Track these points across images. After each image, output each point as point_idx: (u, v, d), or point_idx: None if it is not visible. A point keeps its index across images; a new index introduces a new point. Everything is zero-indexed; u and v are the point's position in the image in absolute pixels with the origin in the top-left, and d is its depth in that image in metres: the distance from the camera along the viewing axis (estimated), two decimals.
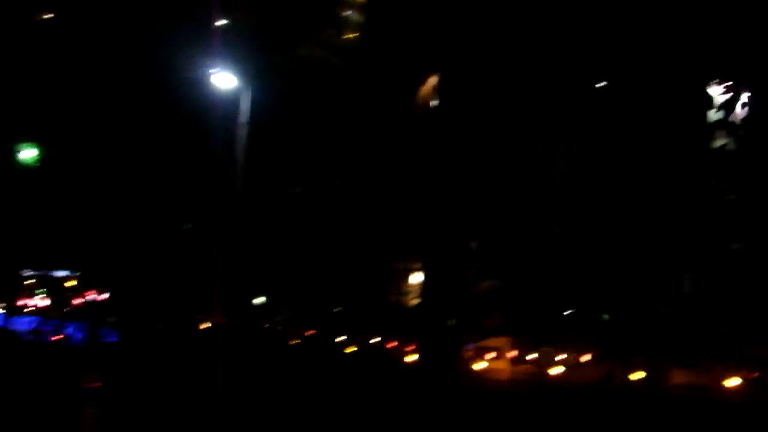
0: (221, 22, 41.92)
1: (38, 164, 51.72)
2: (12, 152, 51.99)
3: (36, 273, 61.60)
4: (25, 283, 63.59)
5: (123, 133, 52.90)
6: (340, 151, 63.89)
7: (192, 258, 51.77)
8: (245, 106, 37.46)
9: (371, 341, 70.19)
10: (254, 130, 38.28)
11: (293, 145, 60.49)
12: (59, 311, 59.35)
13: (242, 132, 37.35)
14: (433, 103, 74.58)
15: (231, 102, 38.73)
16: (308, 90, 62.39)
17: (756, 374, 58.76)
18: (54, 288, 61.00)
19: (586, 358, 69.16)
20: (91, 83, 53.58)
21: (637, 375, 62.81)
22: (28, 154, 51.91)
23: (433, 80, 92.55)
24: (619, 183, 71.00)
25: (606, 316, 71.69)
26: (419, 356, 57.90)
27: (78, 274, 58.35)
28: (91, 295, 55.80)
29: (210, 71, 37.74)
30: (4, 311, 59.38)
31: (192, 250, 51.51)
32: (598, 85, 69.62)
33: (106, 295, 54.43)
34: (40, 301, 66.44)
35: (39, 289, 65.08)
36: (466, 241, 45.60)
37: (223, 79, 37.25)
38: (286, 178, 64.01)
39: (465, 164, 42.70)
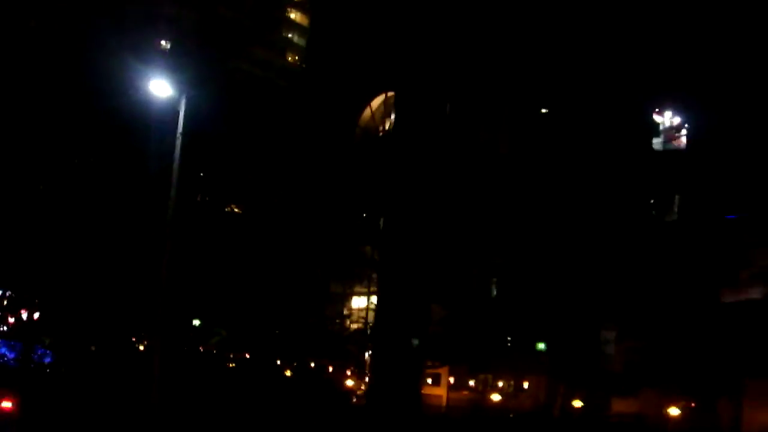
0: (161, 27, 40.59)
1: None
2: None
3: None
4: None
5: (51, 142, 51.31)
6: (279, 170, 62.82)
7: (128, 276, 50.46)
8: (181, 116, 35.02)
9: (310, 365, 69.44)
10: (191, 143, 36.09)
11: (230, 161, 59.28)
12: None
13: (178, 144, 34.91)
14: (375, 125, 74.28)
15: (167, 112, 37.10)
16: (247, 106, 61.26)
17: (693, 404, 58.82)
18: None
19: (524, 385, 68.97)
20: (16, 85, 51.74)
21: (577, 403, 62.52)
22: None
23: (375, 103, 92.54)
24: (563, 212, 70.74)
25: (542, 345, 71.22)
26: (371, 380, 56.94)
27: (11, 292, 56.43)
28: (25, 314, 54.03)
29: (147, 79, 35.43)
30: None
31: (128, 267, 50.12)
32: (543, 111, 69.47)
33: (38, 315, 52.65)
34: None
35: None
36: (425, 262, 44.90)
37: (160, 87, 34.95)
38: (223, 195, 62.80)
39: (418, 187, 41.70)
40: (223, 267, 58.55)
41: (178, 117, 34.66)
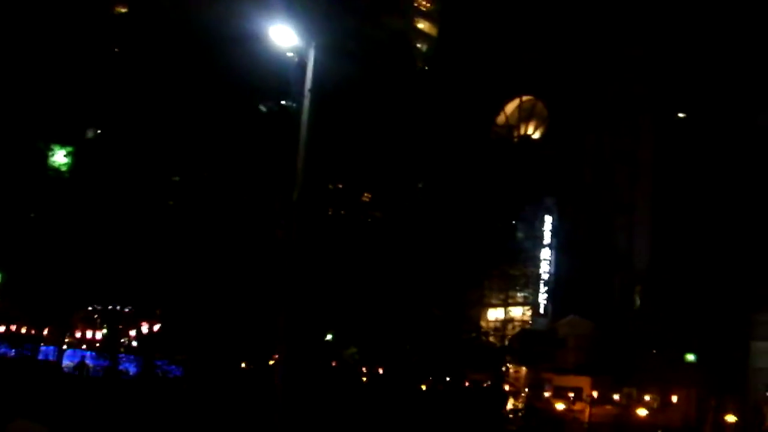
0: None
1: (70, 169, 48.30)
2: (44, 155, 48.51)
3: (91, 306, 58.36)
4: (79, 316, 60.70)
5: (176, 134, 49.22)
6: (414, 163, 58.68)
7: (258, 286, 48.52)
8: (310, 67, 26.13)
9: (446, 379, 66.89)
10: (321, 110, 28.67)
11: (363, 140, 54.80)
12: (114, 345, 56.34)
13: (306, 103, 26.02)
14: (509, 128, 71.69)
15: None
16: (378, 81, 57.10)
17: None
18: (110, 321, 57.90)
19: (673, 399, 65.37)
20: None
21: (731, 417, 58.86)
22: (59, 158, 48.49)
23: (510, 107, 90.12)
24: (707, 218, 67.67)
25: (691, 357, 67.54)
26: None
27: (133, 307, 54.84)
28: (145, 326, 52.48)
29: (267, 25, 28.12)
30: (56, 345, 56.55)
31: (258, 275, 48.17)
32: None
33: (158, 326, 50.90)
34: (95, 334, 63.82)
35: (94, 322, 62.29)
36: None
37: (283, 35, 26.13)
38: (357, 180, 58.47)
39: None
40: (355, 270, 55.92)
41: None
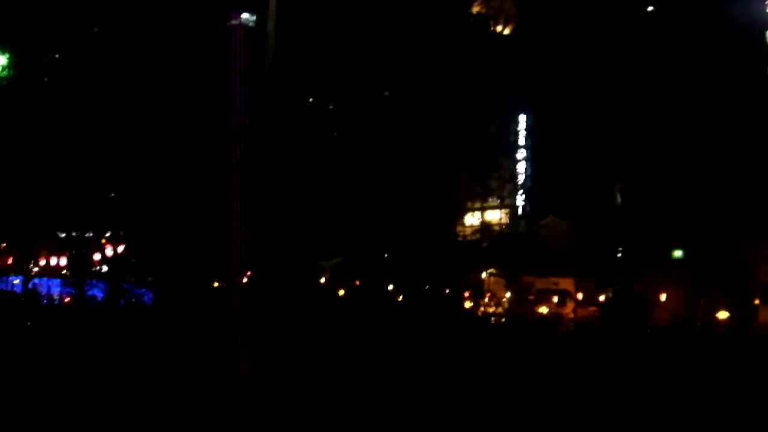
0: None
1: (9, 73, 45.52)
2: None
3: (54, 233, 55.58)
4: (42, 243, 57.92)
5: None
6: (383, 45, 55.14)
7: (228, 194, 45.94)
8: None
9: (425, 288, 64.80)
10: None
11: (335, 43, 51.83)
12: (79, 270, 53.61)
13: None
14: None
15: None
16: None
17: None
18: (75, 248, 55.18)
19: (661, 297, 63.45)
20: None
21: (722, 314, 57.01)
22: None
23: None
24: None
25: (679, 253, 65.46)
26: None
27: (96, 229, 52.04)
28: (110, 249, 49.81)
29: None
30: (22, 275, 54.02)
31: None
32: None
33: (123, 248, 48.21)
34: (61, 261, 61.13)
35: (59, 249, 59.50)
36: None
37: None
38: (332, 86, 55.61)
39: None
40: (331, 170, 53.29)
41: None
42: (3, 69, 45.60)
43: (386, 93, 58.31)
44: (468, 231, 71.12)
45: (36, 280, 55.27)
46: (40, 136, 45.54)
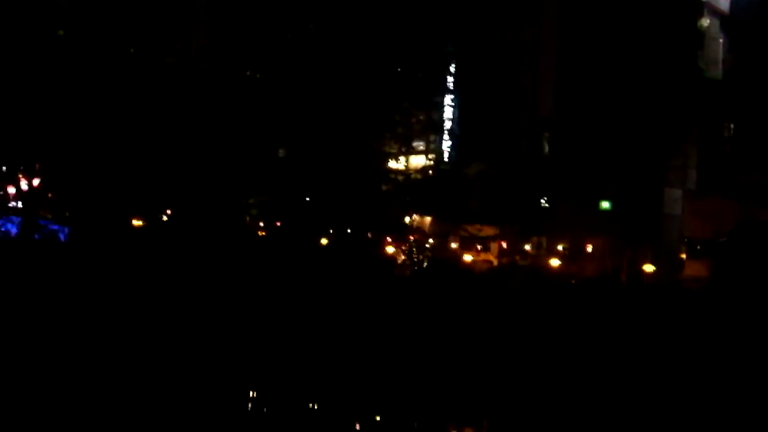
0: None
1: None
2: None
3: None
4: None
5: None
6: None
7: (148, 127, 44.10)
8: None
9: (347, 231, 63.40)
10: None
11: None
12: None
13: None
14: None
15: None
16: None
17: None
18: None
19: (587, 248, 63.05)
20: None
21: (648, 267, 56.66)
22: None
23: None
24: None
25: (606, 205, 65.04)
26: None
27: (9, 161, 49.54)
28: (24, 183, 47.42)
29: None
30: None
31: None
32: None
33: (38, 181, 45.95)
34: None
35: None
36: None
37: None
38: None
39: None
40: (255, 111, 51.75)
41: None
42: None
43: (311, 27, 56.94)
44: (392, 176, 69.90)
45: None
46: None
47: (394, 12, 58.13)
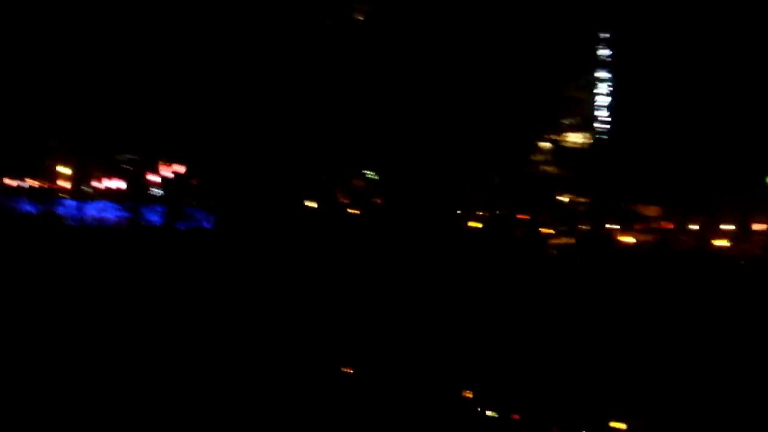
0: None
1: None
2: None
3: (109, 153, 53.70)
4: (95, 165, 56.11)
5: None
6: None
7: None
8: None
9: None
10: None
11: None
12: (133, 193, 51.39)
13: None
14: None
15: None
16: None
17: None
18: (130, 168, 53.19)
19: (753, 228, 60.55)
20: None
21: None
22: None
23: None
24: None
25: None
26: None
27: (151, 149, 49.80)
28: (167, 170, 47.55)
29: None
30: (72, 196, 52.24)
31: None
32: None
33: (183, 169, 45.85)
34: (114, 183, 59.42)
35: (112, 170, 57.77)
36: None
37: None
38: None
39: None
40: None
41: None
42: None
43: None
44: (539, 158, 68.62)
45: (92, 204, 53.79)
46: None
47: None
